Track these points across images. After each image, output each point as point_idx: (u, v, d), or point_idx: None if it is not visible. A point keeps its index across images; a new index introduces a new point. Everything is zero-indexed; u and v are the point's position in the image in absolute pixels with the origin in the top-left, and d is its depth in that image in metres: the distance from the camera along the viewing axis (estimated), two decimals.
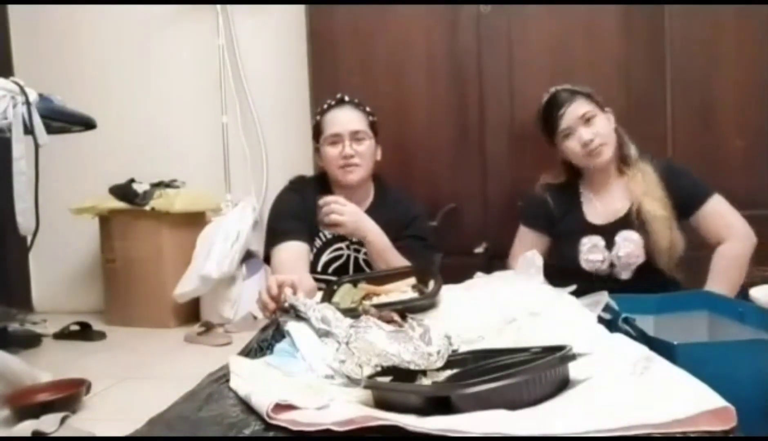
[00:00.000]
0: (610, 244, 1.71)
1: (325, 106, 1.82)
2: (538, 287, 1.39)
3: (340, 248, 1.78)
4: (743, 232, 1.68)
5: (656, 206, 1.67)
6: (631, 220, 1.70)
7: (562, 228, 1.80)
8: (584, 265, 1.73)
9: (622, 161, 1.76)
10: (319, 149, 1.82)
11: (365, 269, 1.75)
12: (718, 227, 1.68)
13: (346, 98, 1.82)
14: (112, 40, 3.26)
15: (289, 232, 1.72)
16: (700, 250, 1.70)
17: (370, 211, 1.74)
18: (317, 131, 1.83)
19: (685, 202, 1.70)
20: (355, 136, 1.76)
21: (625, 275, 1.71)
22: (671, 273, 1.69)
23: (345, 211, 1.62)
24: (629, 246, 1.69)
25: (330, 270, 1.76)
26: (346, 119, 1.78)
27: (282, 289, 1.29)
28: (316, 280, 1.76)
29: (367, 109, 1.83)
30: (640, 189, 1.69)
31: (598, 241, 1.73)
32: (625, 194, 1.74)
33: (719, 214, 1.69)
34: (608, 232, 1.72)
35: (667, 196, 1.68)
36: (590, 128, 1.70)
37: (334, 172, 1.78)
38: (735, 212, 1.71)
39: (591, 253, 1.73)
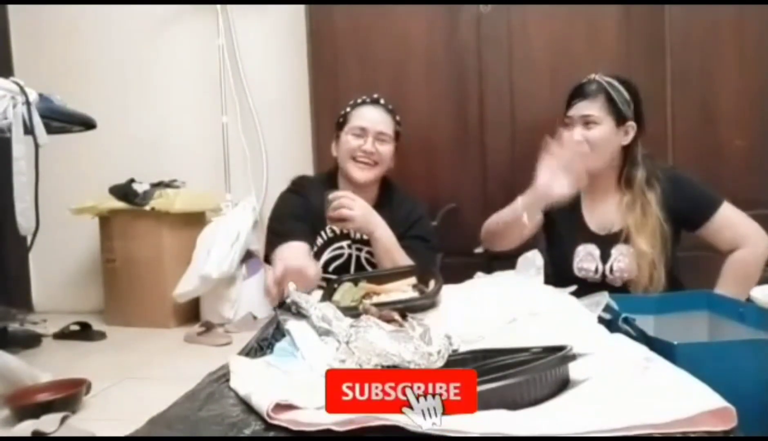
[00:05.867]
0: (605, 256, 1.67)
1: (359, 101, 1.82)
2: (538, 287, 1.39)
3: (341, 247, 1.77)
4: (757, 238, 1.62)
5: (644, 244, 1.60)
6: (624, 238, 1.65)
7: (560, 231, 1.76)
8: (577, 272, 1.69)
9: (626, 181, 1.68)
10: (338, 138, 1.82)
11: (366, 269, 1.75)
12: (730, 238, 1.62)
13: (382, 101, 1.82)
14: (112, 40, 3.27)
15: (291, 233, 1.70)
16: (702, 251, 1.68)
17: (375, 210, 1.73)
18: (342, 122, 1.82)
19: (690, 217, 1.65)
20: (380, 137, 1.77)
21: (617, 284, 1.67)
22: None
23: (355, 206, 1.61)
24: (623, 260, 1.65)
25: (330, 269, 1.75)
26: (376, 118, 1.79)
27: (286, 279, 1.30)
28: None
29: (397, 117, 1.84)
30: (633, 221, 1.62)
31: (593, 249, 1.69)
32: (620, 213, 1.67)
33: (729, 224, 1.62)
34: (605, 243, 1.68)
35: (668, 214, 1.62)
36: (585, 131, 1.64)
37: (346, 164, 1.77)
38: (746, 218, 1.65)
39: (585, 261, 1.69)
